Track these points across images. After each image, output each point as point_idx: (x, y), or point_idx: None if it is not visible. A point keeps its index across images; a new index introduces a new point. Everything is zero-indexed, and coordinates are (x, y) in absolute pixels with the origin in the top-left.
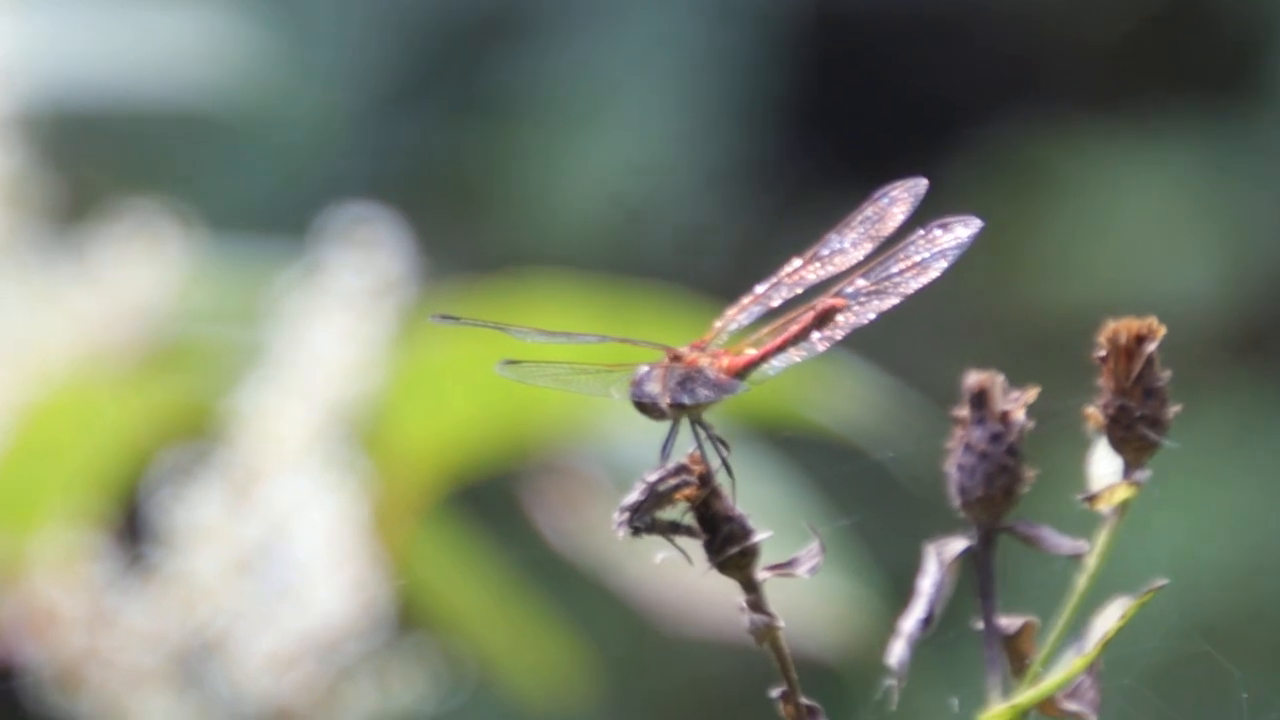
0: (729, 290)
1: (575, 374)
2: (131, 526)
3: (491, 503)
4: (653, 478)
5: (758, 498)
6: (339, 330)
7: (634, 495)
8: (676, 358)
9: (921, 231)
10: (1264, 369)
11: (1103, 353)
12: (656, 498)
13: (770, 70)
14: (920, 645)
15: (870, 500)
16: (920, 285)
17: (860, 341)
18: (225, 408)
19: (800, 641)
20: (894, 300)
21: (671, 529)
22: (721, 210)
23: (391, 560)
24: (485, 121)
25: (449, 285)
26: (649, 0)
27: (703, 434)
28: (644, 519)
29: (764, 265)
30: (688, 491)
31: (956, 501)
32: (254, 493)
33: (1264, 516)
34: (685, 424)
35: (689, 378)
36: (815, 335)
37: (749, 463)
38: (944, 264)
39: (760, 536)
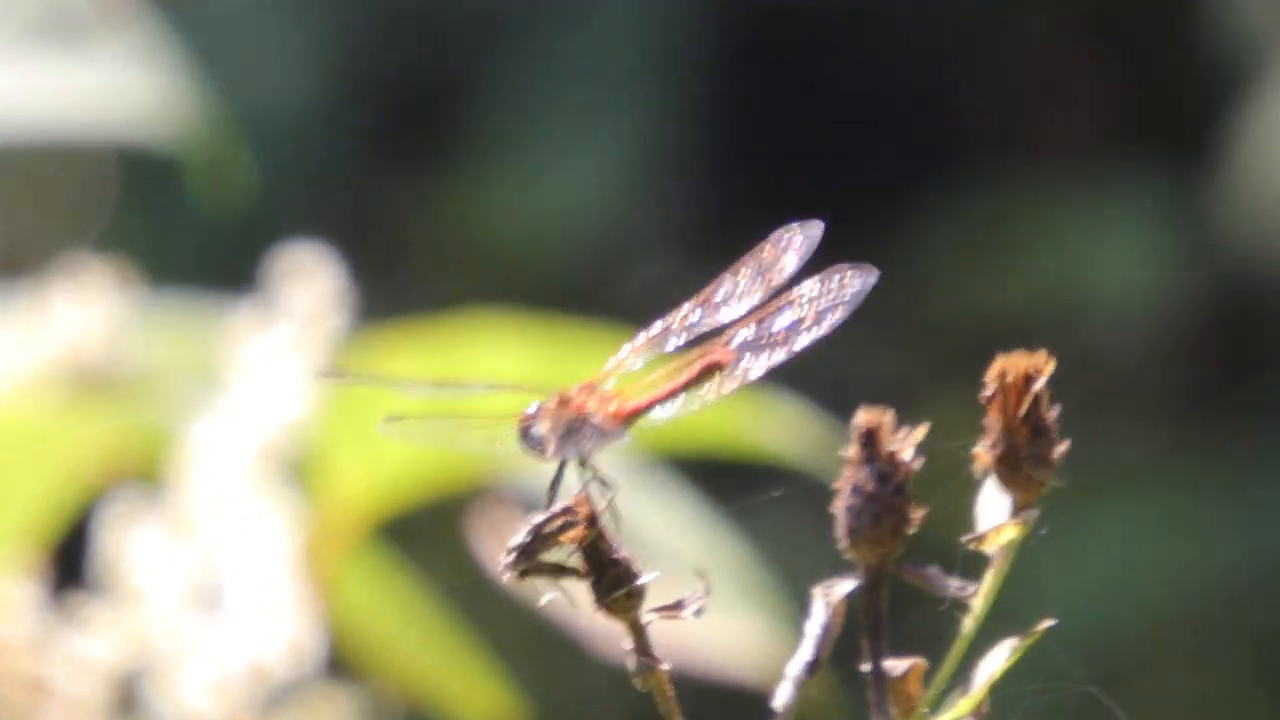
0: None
1: (460, 429)
2: (74, 558)
3: (424, 533)
4: (538, 519)
5: (662, 531)
6: (279, 371)
7: (519, 537)
8: (564, 400)
9: (818, 279)
10: (1186, 391)
11: (989, 391)
12: (541, 539)
13: (715, 107)
14: (805, 687)
15: (805, 532)
16: (811, 340)
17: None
18: (168, 443)
19: (722, 670)
20: (783, 356)
21: (556, 571)
22: (678, 252)
23: (324, 593)
24: (421, 168)
25: (388, 327)
26: (586, 34)
27: (589, 475)
28: (529, 560)
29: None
30: (573, 533)
31: (843, 542)
32: (195, 527)
33: (1162, 556)
34: (573, 464)
35: (574, 425)
36: (704, 386)
37: (657, 494)
38: (838, 316)
39: (646, 578)
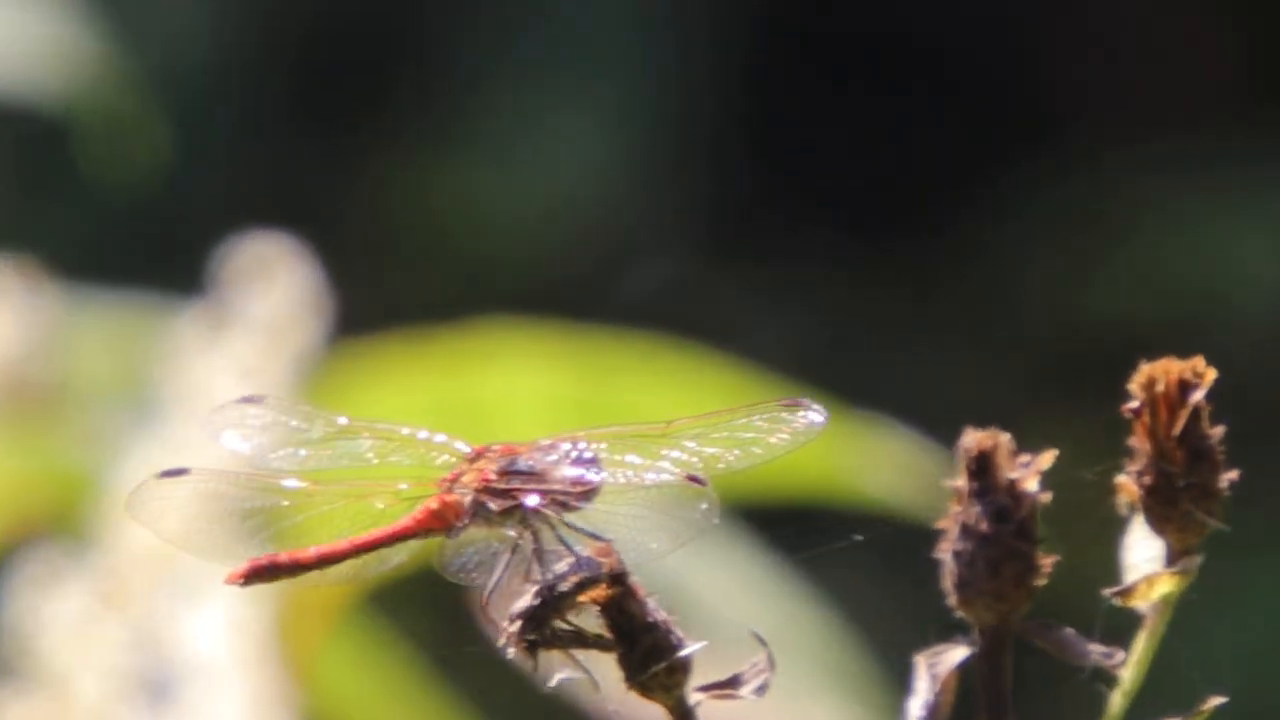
0: (689, 331)
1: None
2: None
3: (420, 598)
4: (550, 577)
5: (712, 589)
6: (235, 391)
7: (526, 599)
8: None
9: (767, 406)
10: None
11: (1135, 404)
12: (556, 602)
13: (739, 69)
14: None
15: (899, 587)
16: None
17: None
18: (94, 487)
19: None
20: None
21: (575, 641)
22: (687, 242)
23: (300, 674)
24: (399, 145)
25: (374, 336)
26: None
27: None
28: (540, 629)
29: (733, 303)
30: (595, 592)
31: (953, 598)
32: (135, 592)
33: None
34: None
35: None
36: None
37: (706, 544)
38: (771, 454)
39: (692, 648)
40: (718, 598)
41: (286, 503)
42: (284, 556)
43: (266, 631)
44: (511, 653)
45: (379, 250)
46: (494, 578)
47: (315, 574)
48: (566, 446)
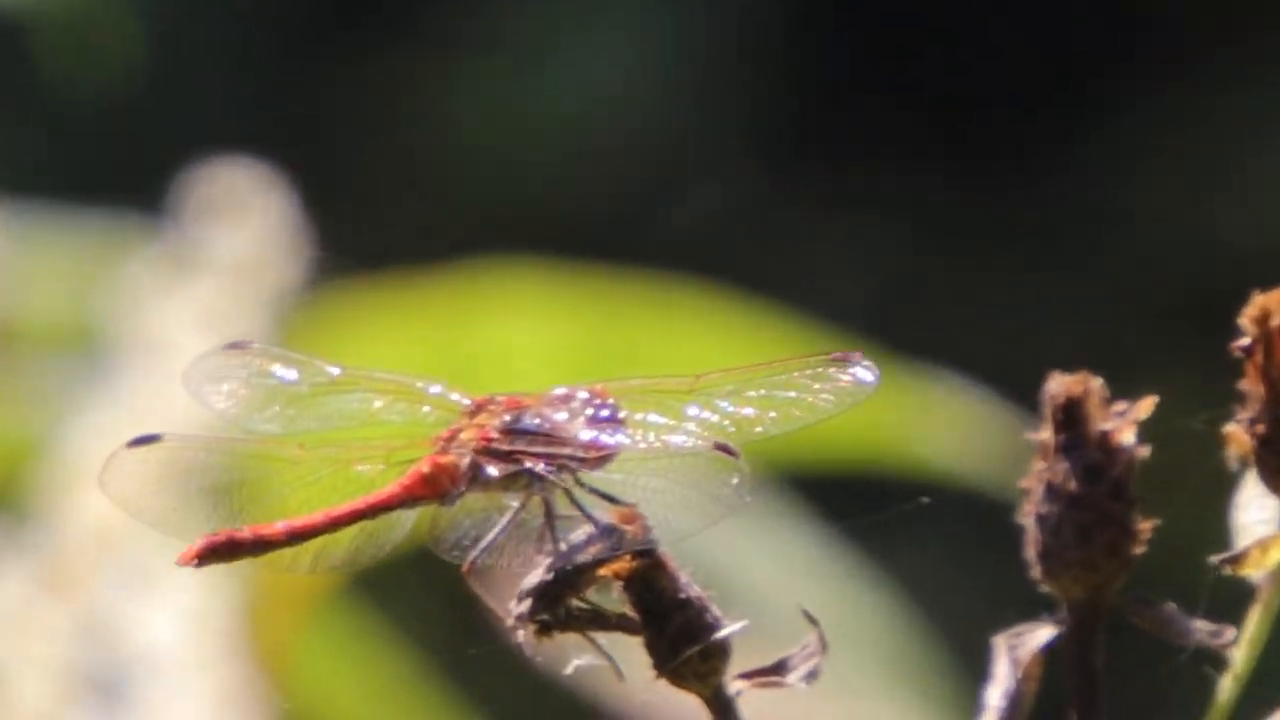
0: (743, 270)
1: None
2: None
3: (410, 580)
4: (564, 548)
5: (755, 562)
6: (202, 340)
7: (537, 574)
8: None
9: (811, 362)
10: None
11: (1246, 341)
12: (572, 576)
13: None
14: None
15: (974, 559)
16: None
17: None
18: (43, 450)
19: None
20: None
21: (596, 623)
22: (738, 165)
23: (271, 669)
24: (402, 51)
25: (361, 277)
26: None
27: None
28: (555, 609)
29: (786, 237)
30: (619, 566)
31: (1038, 570)
32: (82, 577)
33: None
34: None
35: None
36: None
37: (749, 512)
38: (814, 417)
39: (730, 629)
40: (760, 572)
41: (269, 472)
42: (246, 532)
43: (233, 621)
44: (520, 637)
45: (370, 177)
46: (488, 543)
47: (287, 553)
48: (582, 398)
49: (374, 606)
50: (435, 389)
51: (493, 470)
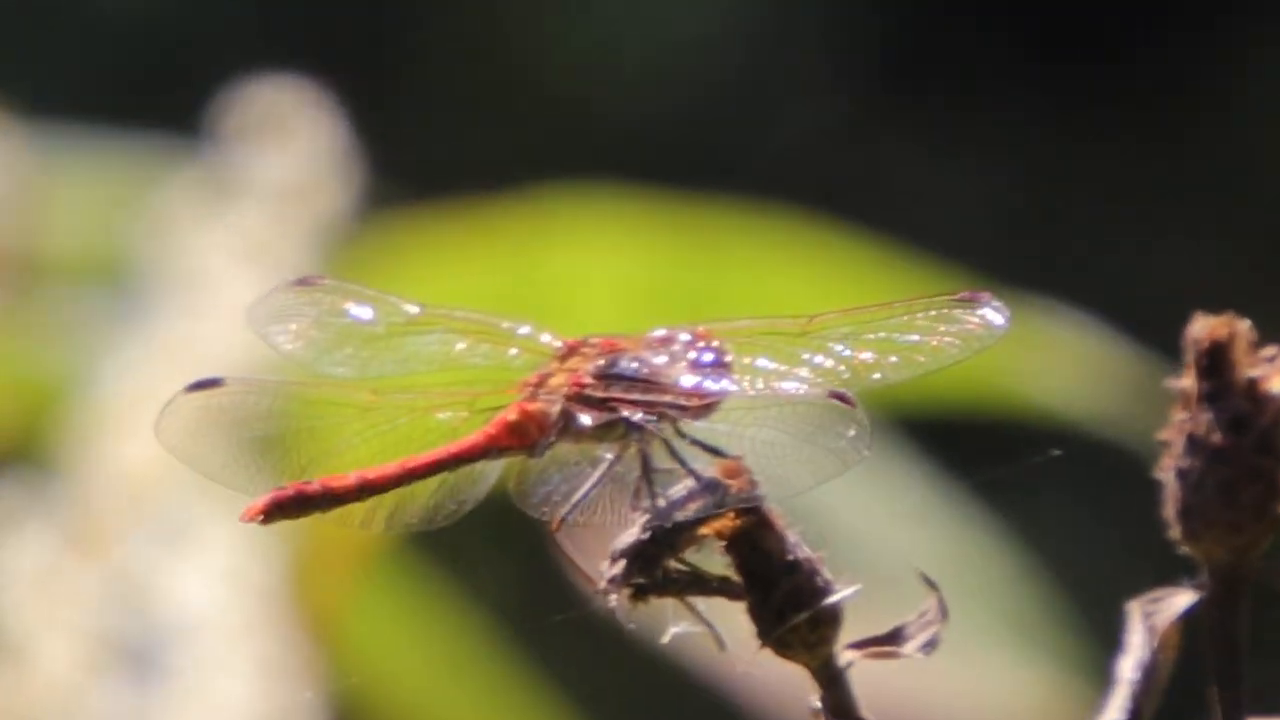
0: (840, 200)
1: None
2: None
3: (478, 538)
4: (662, 503)
5: (871, 521)
6: (243, 277)
7: (632, 533)
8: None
9: (935, 302)
10: None
11: None
12: (670, 536)
13: None
14: None
15: (1107, 518)
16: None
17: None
18: (72, 394)
19: None
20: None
21: (696, 586)
22: (830, 85)
23: (320, 636)
24: None
25: (419, 206)
26: None
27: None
28: (651, 572)
29: (888, 169)
30: (721, 524)
31: (1177, 529)
32: (113, 535)
33: None
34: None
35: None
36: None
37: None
38: (938, 363)
39: (843, 594)
40: (874, 528)
41: (340, 420)
42: (315, 485)
43: (277, 583)
44: (613, 602)
45: (429, 95)
46: (580, 498)
47: (358, 509)
48: (685, 340)
49: (436, 564)
50: (524, 329)
51: (586, 419)
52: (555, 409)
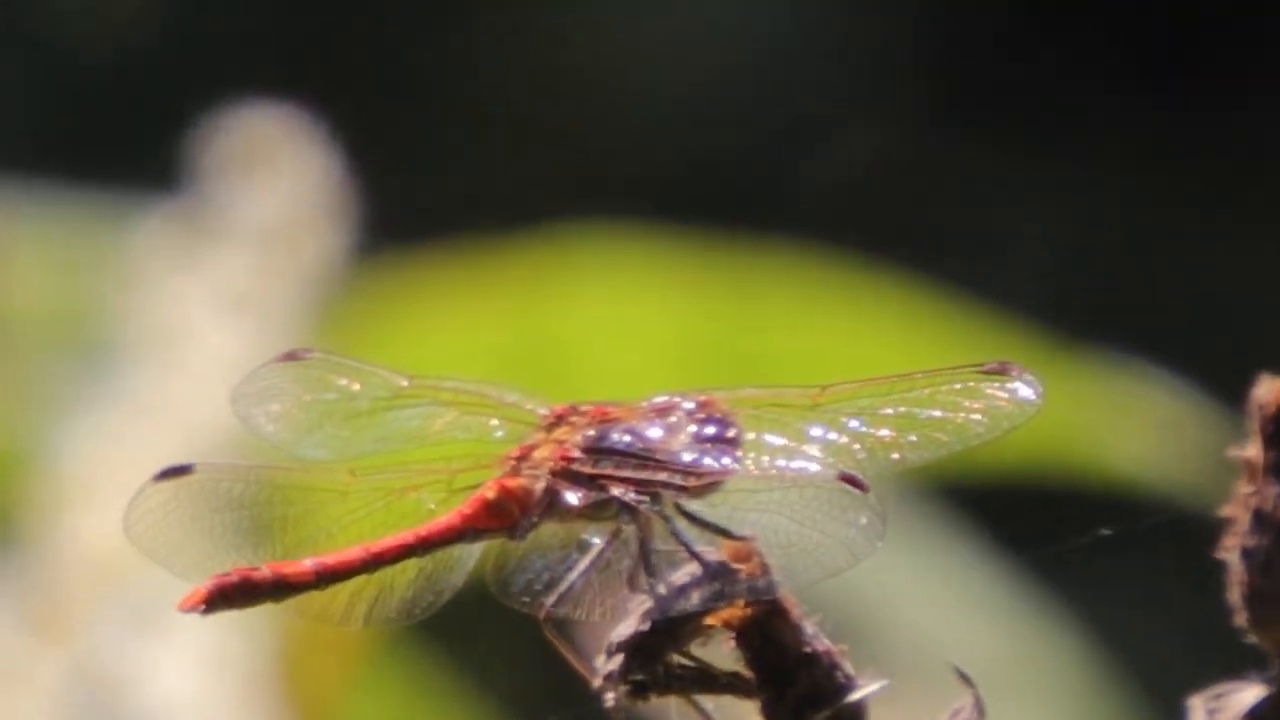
0: (894, 244)
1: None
2: None
3: (480, 624)
4: (663, 590)
5: (903, 602)
6: (224, 330)
7: (631, 623)
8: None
9: (959, 374)
10: None
11: None
12: (673, 626)
13: None
14: None
15: (1169, 599)
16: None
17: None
18: (35, 463)
19: None
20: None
21: (703, 683)
22: (882, 117)
23: None
24: None
25: (419, 247)
26: None
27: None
28: (652, 667)
29: (946, 210)
30: (730, 613)
31: (1243, 615)
32: (79, 616)
33: None
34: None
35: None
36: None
37: (897, 540)
38: (962, 443)
39: (866, 691)
40: (912, 615)
41: (315, 505)
42: (264, 571)
43: (264, 670)
44: (609, 701)
45: (432, 125)
46: (567, 587)
47: (318, 598)
48: (686, 410)
49: (437, 653)
50: (510, 398)
51: (572, 497)
52: (539, 486)
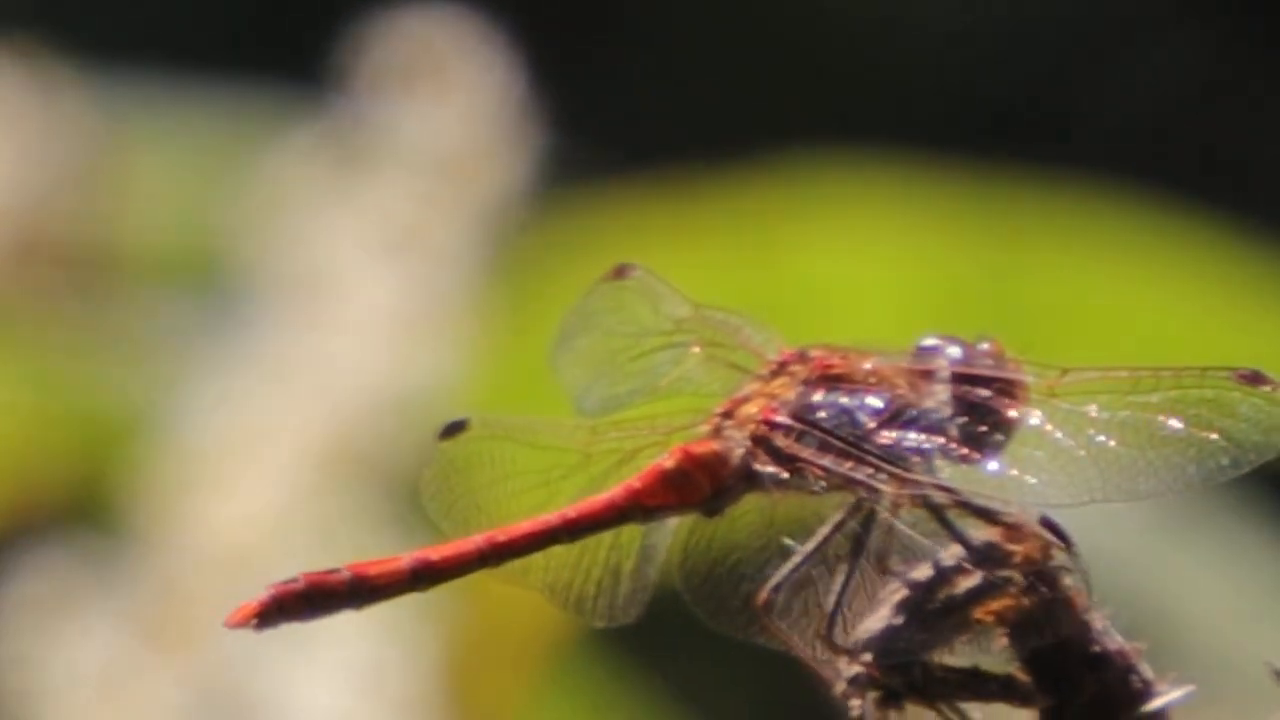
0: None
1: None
2: None
3: (668, 625)
4: (927, 574)
5: (1201, 601)
6: (382, 275)
7: (881, 618)
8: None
9: (1202, 380)
10: None
11: None
12: (933, 620)
13: None
14: None
15: None
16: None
17: None
18: (148, 434)
19: None
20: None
21: (969, 688)
22: (1179, 34)
23: None
24: None
25: (619, 179)
26: None
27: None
28: (908, 670)
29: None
30: (1003, 604)
31: None
32: (203, 619)
33: None
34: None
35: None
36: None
37: (1188, 535)
38: (1204, 479)
39: (1169, 698)
40: (1207, 612)
41: (563, 471)
42: (344, 573)
43: (425, 682)
44: (854, 710)
45: (637, 34)
46: (788, 571)
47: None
48: (952, 356)
49: (630, 657)
50: (758, 337)
51: (766, 474)
52: (738, 452)
